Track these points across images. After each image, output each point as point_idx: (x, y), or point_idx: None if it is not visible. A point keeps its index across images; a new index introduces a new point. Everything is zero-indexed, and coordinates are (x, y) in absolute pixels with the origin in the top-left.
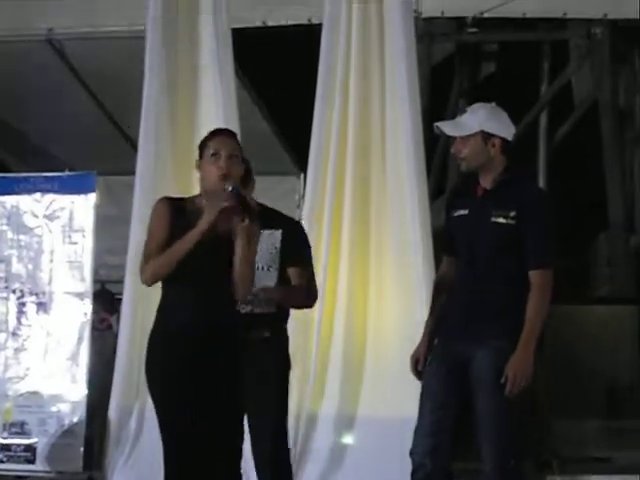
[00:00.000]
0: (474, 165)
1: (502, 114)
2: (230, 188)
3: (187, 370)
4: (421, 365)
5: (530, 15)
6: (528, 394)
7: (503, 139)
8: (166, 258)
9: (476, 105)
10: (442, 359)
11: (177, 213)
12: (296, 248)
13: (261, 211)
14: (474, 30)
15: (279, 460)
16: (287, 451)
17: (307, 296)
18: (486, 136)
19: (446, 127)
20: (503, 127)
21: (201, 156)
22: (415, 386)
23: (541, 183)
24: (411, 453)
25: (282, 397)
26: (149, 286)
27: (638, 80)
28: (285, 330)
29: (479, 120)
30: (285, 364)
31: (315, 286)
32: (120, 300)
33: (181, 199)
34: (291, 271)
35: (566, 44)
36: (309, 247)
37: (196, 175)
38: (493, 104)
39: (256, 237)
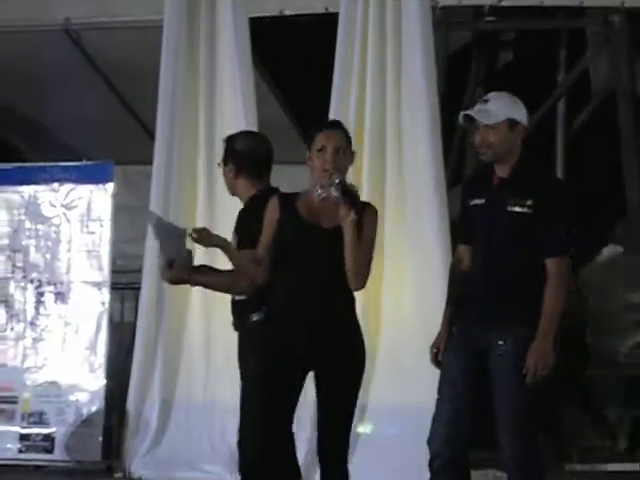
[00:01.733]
0: (500, 153)
1: (520, 102)
2: (337, 181)
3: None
4: (440, 355)
5: (548, 3)
6: (548, 383)
7: (525, 127)
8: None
9: (494, 94)
10: (460, 347)
11: (286, 209)
12: None
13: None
14: (491, 19)
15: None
16: None
17: None
18: (512, 124)
19: (476, 114)
20: (525, 115)
21: (309, 148)
22: (433, 374)
23: (558, 171)
24: (429, 442)
25: None
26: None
27: None
28: None
29: (506, 108)
30: None
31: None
32: (138, 289)
33: (295, 194)
34: None
35: (583, 32)
36: None
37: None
38: (509, 93)
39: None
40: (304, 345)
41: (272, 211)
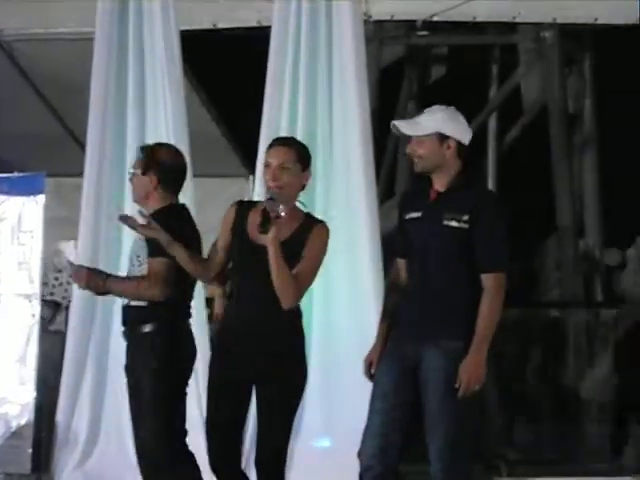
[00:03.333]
0: (428, 166)
1: (460, 117)
2: (268, 197)
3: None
4: (374, 368)
5: (480, 19)
6: (478, 397)
7: (459, 142)
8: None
9: (435, 107)
10: (394, 360)
11: (239, 217)
12: None
13: None
14: (424, 33)
15: None
16: None
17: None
18: (442, 138)
19: (403, 126)
20: (460, 130)
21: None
22: (365, 387)
23: (490, 186)
24: (359, 454)
25: None
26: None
27: (587, 84)
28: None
29: (436, 121)
30: None
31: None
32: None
33: (253, 202)
34: None
35: (515, 48)
36: None
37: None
38: (452, 107)
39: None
40: (247, 358)
41: (229, 218)
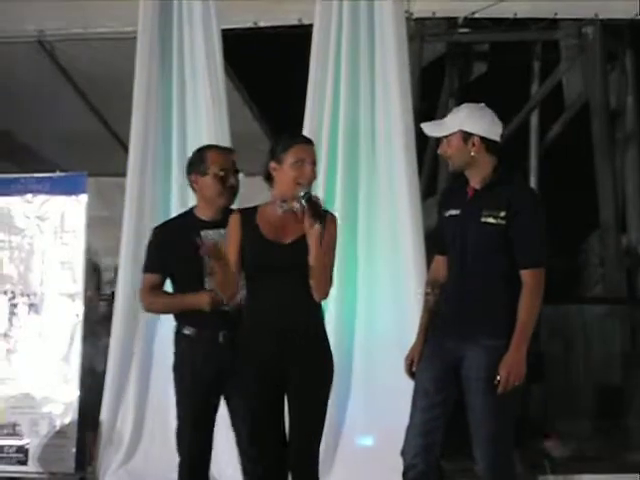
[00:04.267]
0: (458, 165)
1: (485, 113)
2: (302, 194)
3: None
4: (416, 366)
5: (521, 15)
6: (521, 394)
7: (484, 138)
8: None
9: (462, 105)
10: (434, 357)
11: (247, 225)
12: None
13: None
14: (465, 30)
15: None
16: None
17: None
18: (466, 135)
19: (427, 128)
20: (483, 126)
21: (279, 161)
22: (407, 385)
23: (533, 183)
24: (402, 453)
25: None
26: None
27: (629, 80)
28: None
29: (459, 120)
30: None
31: None
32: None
33: (254, 208)
34: None
35: (557, 44)
36: None
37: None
38: (482, 104)
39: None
40: (276, 358)
41: (234, 229)
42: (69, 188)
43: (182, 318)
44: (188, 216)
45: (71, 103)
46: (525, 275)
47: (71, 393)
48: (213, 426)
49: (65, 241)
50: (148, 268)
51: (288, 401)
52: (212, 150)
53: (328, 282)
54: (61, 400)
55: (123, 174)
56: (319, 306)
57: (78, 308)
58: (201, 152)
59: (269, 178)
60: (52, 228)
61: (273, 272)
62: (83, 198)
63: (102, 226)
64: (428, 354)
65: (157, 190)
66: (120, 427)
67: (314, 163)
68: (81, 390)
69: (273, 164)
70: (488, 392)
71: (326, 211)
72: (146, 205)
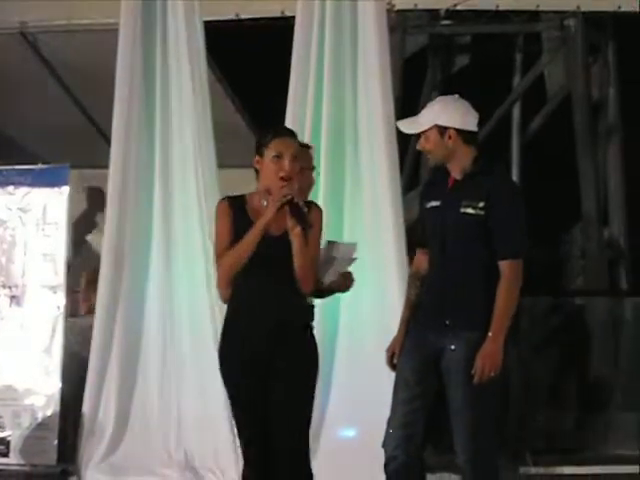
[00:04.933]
0: (437, 159)
1: (459, 105)
2: (284, 199)
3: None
4: (397, 358)
5: (503, 7)
6: (502, 386)
7: (460, 130)
8: (234, 258)
9: (436, 99)
10: (415, 349)
11: (238, 212)
12: None
13: None
14: (447, 22)
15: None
16: None
17: None
18: (441, 129)
19: (403, 125)
20: (458, 118)
21: (261, 155)
22: (388, 377)
23: (515, 175)
24: (383, 445)
25: None
26: (224, 289)
27: (611, 73)
28: None
29: (434, 114)
30: None
31: None
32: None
33: (241, 196)
34: None
35: (539, 36)
36: None
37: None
38: (456, 96)
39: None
40: (261, 349)
41: (225, 216)
42: (51, 180)
43: None
44: None
45: (54, 95)
46: (503, 266)
47: (53, 385)
48: None
49: (47, 233)
50: None
51: (274, 389)
52: None
53: (313, 276)
54: (43, 392)
55: (106, 166)
56: (305, 297)
57: (60, 300)
58: None
59: (257, 171)
60: (34, 220)
61: (262, 262)
62: (65, 190)
63: (85, 218)
64: (409, 346)
65: (140, 181)
66: (102, 419)
67: (294, 157)
68: (63, 382)
69: (257, 157)
70: (467, 384)
71: (311, 202)
72: (128, 196)
